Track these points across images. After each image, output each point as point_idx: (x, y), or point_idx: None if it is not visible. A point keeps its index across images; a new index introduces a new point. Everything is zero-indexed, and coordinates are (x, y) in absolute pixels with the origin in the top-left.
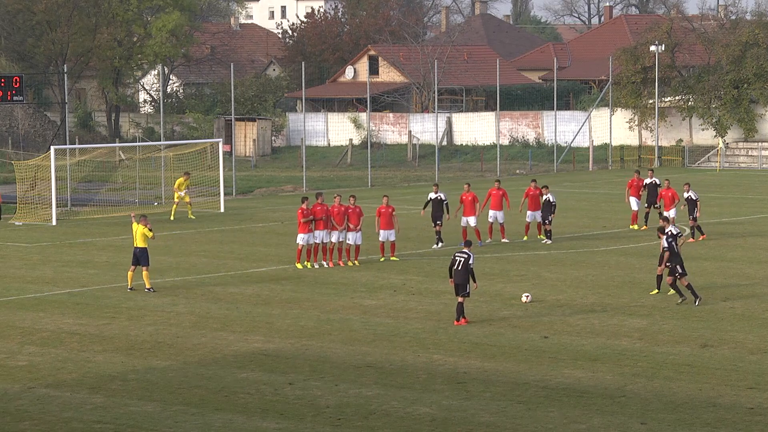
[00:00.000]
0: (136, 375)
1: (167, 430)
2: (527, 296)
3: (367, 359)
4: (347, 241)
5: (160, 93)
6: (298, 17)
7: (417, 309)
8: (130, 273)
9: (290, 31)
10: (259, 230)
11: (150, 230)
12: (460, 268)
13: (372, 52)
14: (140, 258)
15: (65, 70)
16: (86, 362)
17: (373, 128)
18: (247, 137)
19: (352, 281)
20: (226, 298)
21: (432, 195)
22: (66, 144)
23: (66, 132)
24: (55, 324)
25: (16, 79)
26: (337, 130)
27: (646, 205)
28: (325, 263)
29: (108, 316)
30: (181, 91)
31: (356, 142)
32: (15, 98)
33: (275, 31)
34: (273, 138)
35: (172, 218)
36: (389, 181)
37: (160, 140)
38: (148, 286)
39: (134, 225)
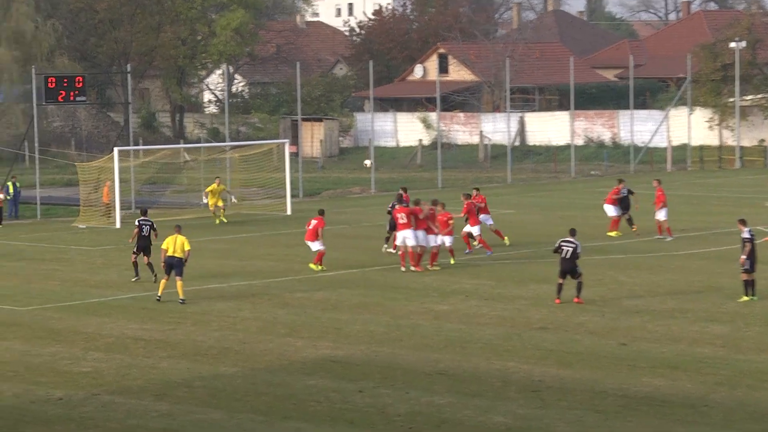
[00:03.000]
0: (202, 382)
1: None
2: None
3: (439, 366)
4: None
5: (225, 93)
6: (365, 14)
7: (490, 314)
8: (163, 282)
9: (357, 29)
10: (326, 233)
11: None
12: (568, 256)
13: (441, 50)
14: (176, 268)
15: (128, 70)
16: (151, 368)
17: (443, 128)
18: (313, 138)
19: (423, 286)
20: (294, 303)
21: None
22: (130, 145)
23: (130, 133)
24: (120, 329)
25: (78, 79)
26: (406, 130)
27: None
28: (412, 267)
29: (173, 322)
30: (246, 90)
31: (426, 142)
32: (78, 99)
33: (342, 28)
34: (340, 138)
35: (218, 222)
36: (460, 182)
37: (225, 141)
38: (181, 297)
39: (175, 235)
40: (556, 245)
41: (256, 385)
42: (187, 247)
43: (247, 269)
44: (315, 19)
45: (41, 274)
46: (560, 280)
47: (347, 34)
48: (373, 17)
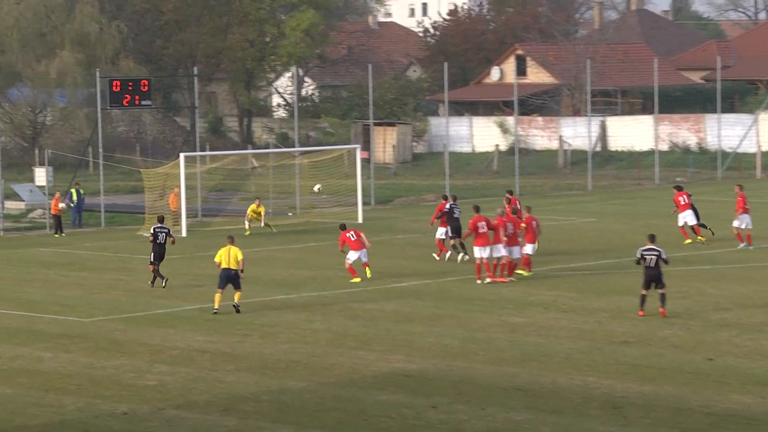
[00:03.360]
0: (269, 396)
1: None
2: (318, 187)
3: (516, 381)
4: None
5: (294, 96)
6: (440, 15)
7: (569, 327)
8: (218, 295)
9: (432, 30)
10: (399, 242)
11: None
12: (653, 264)
13: (519, 52)
14: (233, 281)
15: (195, 73)
16: (218, 382)
17: (521, 133)
18: (386, 143)
19: (499, 297)
20: (365, 315)
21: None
22: (196, 151)
23: (196, 138)
24: (186, 341)
25: (144, 83)
26: (482, 135)
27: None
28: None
29: (240, 334)
30: (317, 94)
31: (503, 147)
32: (143, 103)
33: (416, 29)
34: (414, 144)
35: (249, 230)
36: (538, 189)
37: (295, 146)
38: (236, 302)
39: (228, 247)
40: (638, 255)
41: (325, 400)
42: (240, 257)
43: (318, 279)
44: (387, 19)
45: (105, 284)
46: (644, 291)
47: (421, 35)
48: (447, 17)
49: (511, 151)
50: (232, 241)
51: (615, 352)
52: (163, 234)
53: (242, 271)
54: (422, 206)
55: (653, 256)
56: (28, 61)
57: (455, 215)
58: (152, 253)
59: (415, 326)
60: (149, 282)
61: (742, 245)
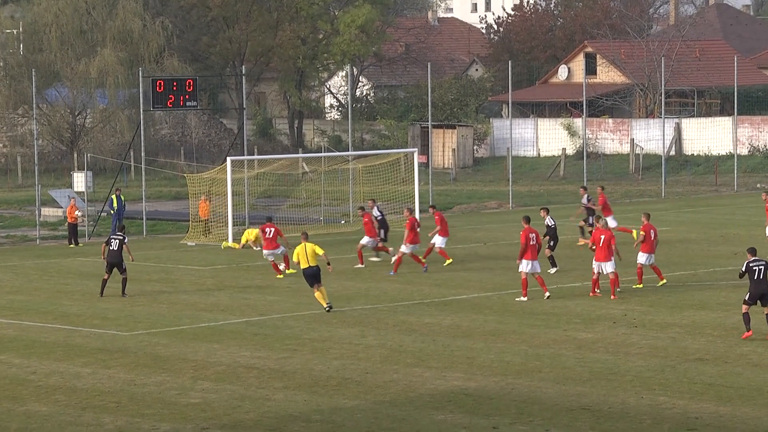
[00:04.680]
0: (320, 415)
1: None
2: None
3: (582, 401)
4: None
5: (348, 97)
6: (504, 10)
7: (639, 344)
8: (317, 294)
9: (495, 26)
10: (458, 252)
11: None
12: (761, 277)
13: (589, 49)
14: (314, 277)
15: (243, 72)
16: (265, 400)
17: (590, 136)
18: (445, 146)
19: (564, 311)
20: (422, 330)
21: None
22: (244, 155)
23: (244, 141)
24: (231, 357)
25: (189, 82)
26: (548, 138)
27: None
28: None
29: (289, 349)
30: (372, 94)
31: (570, 151)
32: (188, 104)
33: (478, 25)
34: (475, 147)
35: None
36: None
37: (348, 150)
38: (328, 302)
39: (303, 244)
40: (744, 268)
41: (379, 419)
42: (320, 252)
43: (372, 292)
44: (448, 15)
45: (147, 296)
46: (746, 308)
47: (484, 31)
48: (512, 13)
49: (579, 155)
50: (306, 237)
51: (689, 371)
52: (117, 241)
53: (329, 264)
54: (483, 214)
55: (760, 266)
56: (67, 59)
57: (380, 218)
58: (107, 263)
59: (475, 342)
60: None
61: None
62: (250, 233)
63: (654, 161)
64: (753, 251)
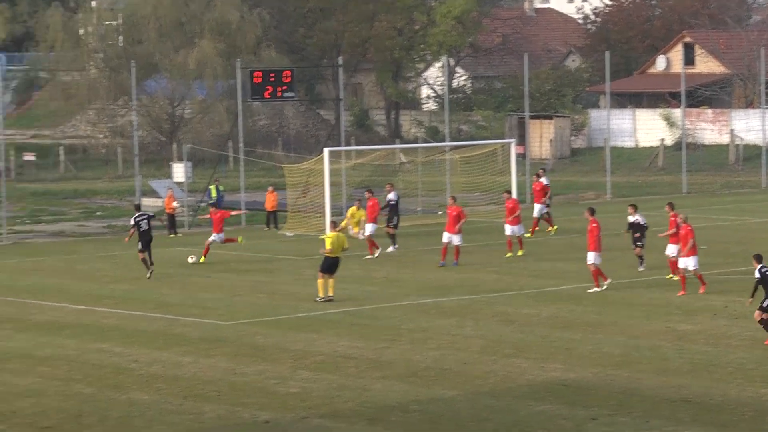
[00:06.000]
0: (418, 406)
1: None
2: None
3: (683, 393)
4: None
5: (445, 88)
6: (601, 0)
7: (741, 335)
8: (324, 281)
9: (593, 16)
10: (556, 243)
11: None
12: None
13: (687, 39)
14: (335, 268)
15: (340, 63)
16: (364, 390)
17: (689, 126)
18: (542, 137)
19: (665, 303)
20: (520, 320)
21: (630, 218)
22: (341, 145)
23: (341, 132)
24: (330, 347)
25: (286, 74)
26: (646, 128)
27: None
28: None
29: (387, 339)
30: (469, 85)
31: (668, 142)
32: (285, 95)
33: (575, 16)
34: (572, 138)
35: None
36: (707, 187)
37: (445, 141)
38: (330, 295)
39: (337, 234)
40: (757, 275)
41: (477, 410)
42: (347, 246)
43: (469, 282)
44: (545, 5)
45: (246, 286)
46: (762, 315)
47: (581, 21)
48: (610, 3)
49: (677, 146)
50: (334, 226)
51: None
52: (145, 221)
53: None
54: (581, 205)
55: None
56: (165, 51)
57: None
58: (139, 242)
59: (574, 333)
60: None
61: None
62: (354, 215)
63: (754, 152)
64: (759, 258)
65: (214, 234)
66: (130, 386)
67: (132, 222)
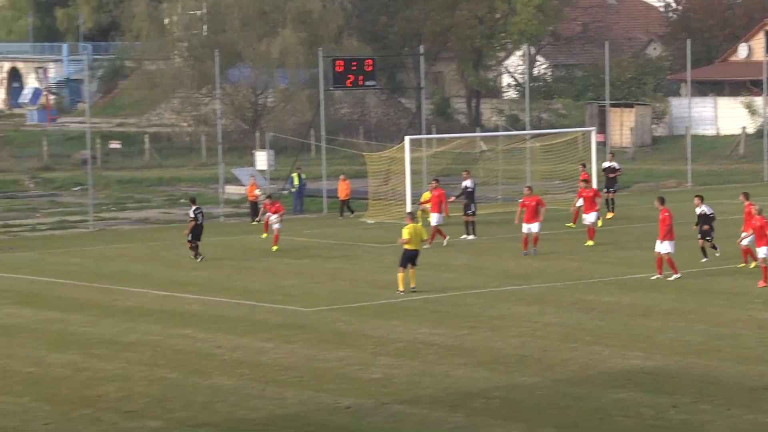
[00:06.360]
0: (499, 392)
1: None
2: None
3: (764, 381)
4: None
5: (526, 76)
6: None
7: None
8: (405, 274)
9: (674, 4)
10: (636, 231)
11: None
12: None
13: None
14: (415, 259)
15: (421, 52)
16: (445, 377)
17: None
18: (623, 126)
19: (746, 291)
20: (600, 308)
21: (697, 210)
22: (422, 134)
23: (422, 120)
24: (411, 333)
25: (368, 62)
26: (727, 116)
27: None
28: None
29: (468, 326)
30: (549, 73)
31: (750, 130)
32: (367, 83)
33: (657, 4)
34: (653, 126)
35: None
36: None
37: (525, 129)
38: (413, 286)
39: (414, 226)
40: None
41: (558, 397)
42: (425, 236)
43: (549, 270)
44: None
45: (327, 273)
46: None
47: (662, 10)
48: None
49: (759, 134)
50: (412, 218)
51: None
52: (201, 215)
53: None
54: (662, 193)
55: None
56: (249, 40)
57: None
58: (191, 234)
59: (654, 321)
60: (197, 259)
61: None
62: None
63: None
64: None
65: (271, 216)
66: (213, 371)
67: (191, 215)
